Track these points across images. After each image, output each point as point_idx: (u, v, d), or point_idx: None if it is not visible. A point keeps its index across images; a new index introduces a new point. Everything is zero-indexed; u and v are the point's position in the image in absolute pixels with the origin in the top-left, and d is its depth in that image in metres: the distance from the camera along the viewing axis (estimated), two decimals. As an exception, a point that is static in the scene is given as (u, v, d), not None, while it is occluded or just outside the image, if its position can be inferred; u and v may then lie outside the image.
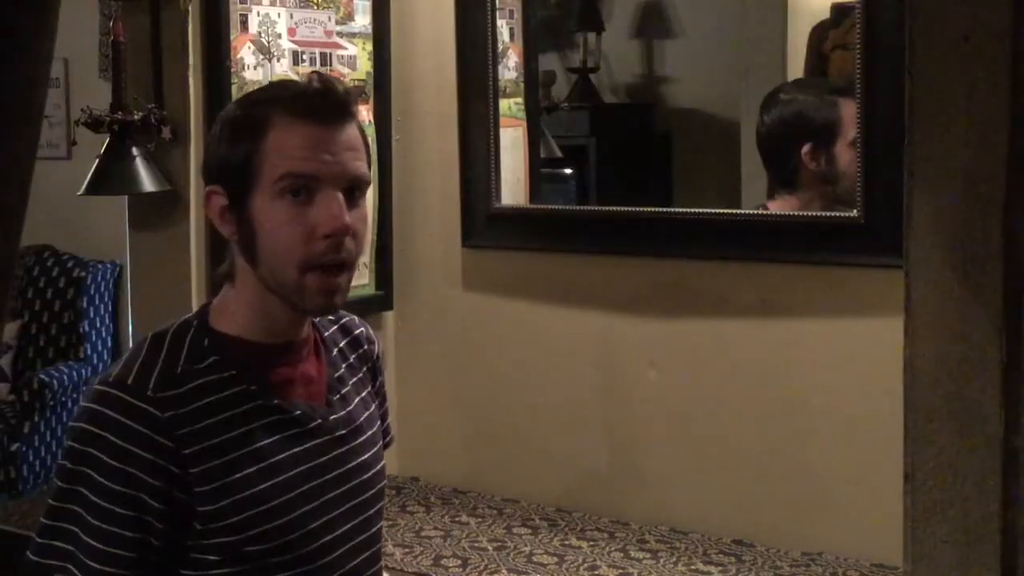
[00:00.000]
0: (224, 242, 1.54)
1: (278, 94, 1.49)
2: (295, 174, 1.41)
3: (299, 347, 1.53)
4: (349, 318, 1.69)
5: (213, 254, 2.44)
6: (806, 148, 2.38)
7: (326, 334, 1.62)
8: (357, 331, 1.68)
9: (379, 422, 1.66)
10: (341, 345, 1.64)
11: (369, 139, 1.54)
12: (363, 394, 1.63)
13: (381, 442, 1.65)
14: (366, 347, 1.68)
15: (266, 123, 1.43)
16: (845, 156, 2.32)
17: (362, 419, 1.59)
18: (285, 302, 1.47)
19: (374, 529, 1.58)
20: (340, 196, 1.43)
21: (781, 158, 2.45)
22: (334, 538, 1.50)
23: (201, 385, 1.43)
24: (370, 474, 1.57)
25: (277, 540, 1.43)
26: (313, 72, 1.54)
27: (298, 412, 1.49)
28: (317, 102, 1.44)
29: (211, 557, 1.41)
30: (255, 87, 2.47)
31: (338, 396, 1.57)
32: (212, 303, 1.52)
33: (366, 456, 1.57)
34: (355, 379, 1.63)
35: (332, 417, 1.54)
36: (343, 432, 1.54)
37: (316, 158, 1.42)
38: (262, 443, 1.44)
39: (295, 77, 2.52)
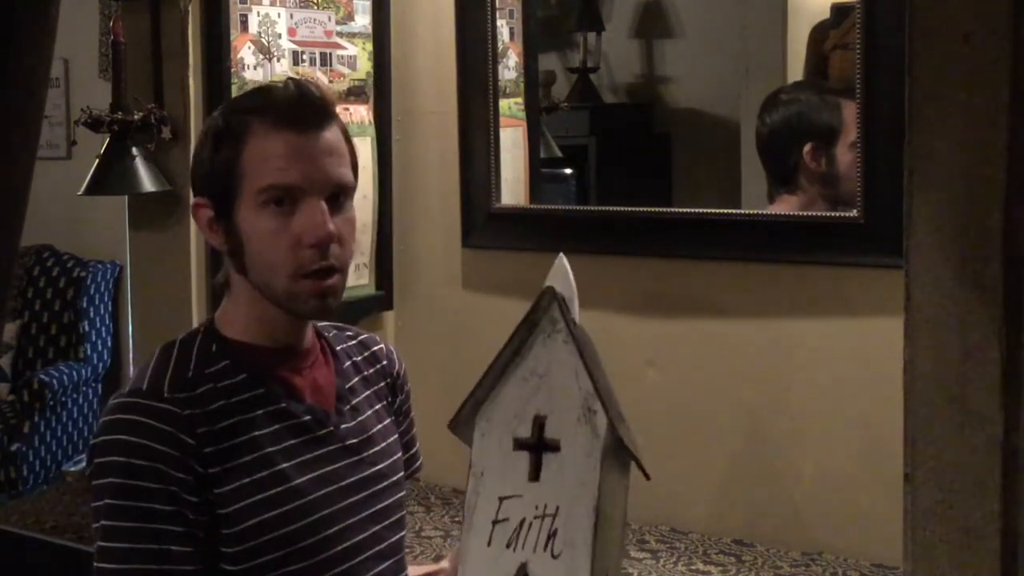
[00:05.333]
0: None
1: (255, 103, 1.48)
2: (276, 186, 1.41)
3: (304, 354, 1.53)
4: (370, 335, 1.70)
5: (213, 254, 2.44)
6: (807, 148, 2.38)
7: (339, 347, 1.62)
8: (376, 347, 1.69)
9: (396, 436, 1.65)
10: (356, 359, 1.63)
11: (354, 140, 1.53)
12: (377, 407, 1.62)
13: (399, 455, 1.64)
14: (384, 363, 1.68)
15: (244, 133, 1.42)
16: (846, 158, 2.31)
17: (375, 430, 1.59)
18: (280, 308, 1.47)
19: (394, 539, 1.58)
20: (323, 204, 1.42)
21: (782, 159, 2.44)
22: (349, 547, 1.49)
23: (214, 388, 1.44)
24: (385, 484, 1.57)
25: (291, 546, 1.43)
26: (288, 78, 1.53)
27: (307, 418, 1.49)
28: (293, 109, 1.43)
29: (234, 567, 1.41)
30: (255, 87, 2.47)
31: (348, 406, 1.56)
32: (216, 314, 1.54)
33: (381, 467, 1.57)
34: (369, 392, 1.62)
35: (343, 426, 1.53)
36: (354, 441, 1.54)
37: (296, 167, 1.41)
38: (272, 448, 1.44)
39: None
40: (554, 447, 1.29)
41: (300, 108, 1.43)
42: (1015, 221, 1.06)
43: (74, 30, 2.61)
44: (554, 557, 1.26)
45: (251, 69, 2.47)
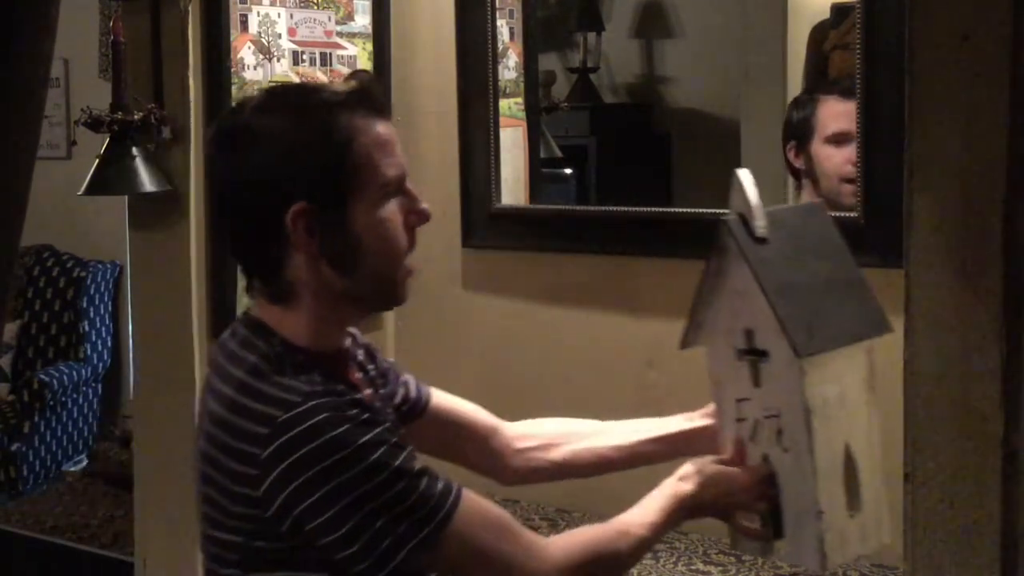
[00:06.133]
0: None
1: (342, 98, 1.42)
2: (400, 176, 1.43)
3: (347, 353, 1.53)
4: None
5: (213, 254, 2.44)
6: (790, 146, 2.41)
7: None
8: (363, 340, 1.67)
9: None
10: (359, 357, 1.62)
11: None
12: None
13: None
14: (373, 350, 1.68)
15: (348, 128, 1.39)
16: (820, 154, 2.33)
17: None
18: (366, 306, 1.49)
19: None
20: None
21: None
22: None
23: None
24: None
25: None
26: (359, 70, 1.55)
27: (389, 415, 1.48)
28: (380, 98, 1.46)
29: None
30: (254, 88, 2.47)
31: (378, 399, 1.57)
32: (277, 328, 1.43)
33: None
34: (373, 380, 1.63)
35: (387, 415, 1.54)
36: None
37: (400, 153, 1.44)
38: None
39: (295, 78, 2.53)
40: (766, 355, 1.44)
41: (384, 97, 1.46)
42: (1015, 221, 1.06)
43: (74, 30, 2.61)
44: (785, 451, 1.44)
45: (251, 69, 2.47)
